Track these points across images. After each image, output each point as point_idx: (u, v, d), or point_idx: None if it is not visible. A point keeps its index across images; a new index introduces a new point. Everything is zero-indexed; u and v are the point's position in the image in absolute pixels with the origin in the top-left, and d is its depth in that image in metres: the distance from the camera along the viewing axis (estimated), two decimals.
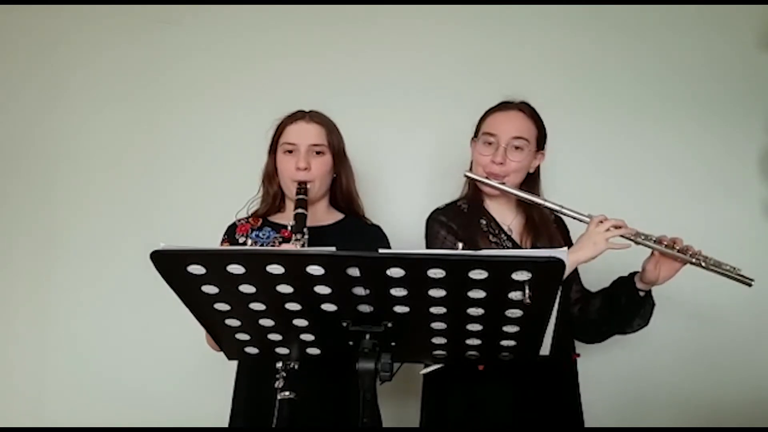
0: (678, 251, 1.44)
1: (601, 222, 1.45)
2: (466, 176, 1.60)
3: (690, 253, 1.44)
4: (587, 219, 1.48)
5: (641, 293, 1.52)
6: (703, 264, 1.43)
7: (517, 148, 1.55)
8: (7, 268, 2.27)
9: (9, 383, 2.25)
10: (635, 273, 1.53)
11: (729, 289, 2.03)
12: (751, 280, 1.43)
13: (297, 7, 2.22)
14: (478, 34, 2.19)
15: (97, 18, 2.27)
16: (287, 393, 1.33)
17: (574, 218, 1.51)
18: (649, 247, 1.46)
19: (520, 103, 1.61)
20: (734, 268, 1.44)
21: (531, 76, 2.15)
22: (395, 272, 0.98)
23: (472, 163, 1.63)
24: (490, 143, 1.56)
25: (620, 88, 2.15)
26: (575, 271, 1.63)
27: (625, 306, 1.54)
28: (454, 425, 1.53)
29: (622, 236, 1.44)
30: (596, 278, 1.64)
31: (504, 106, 1.61)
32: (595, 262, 1.43)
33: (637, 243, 1.45)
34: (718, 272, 1.43)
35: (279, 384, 1.35)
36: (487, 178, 1.56)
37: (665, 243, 1.45)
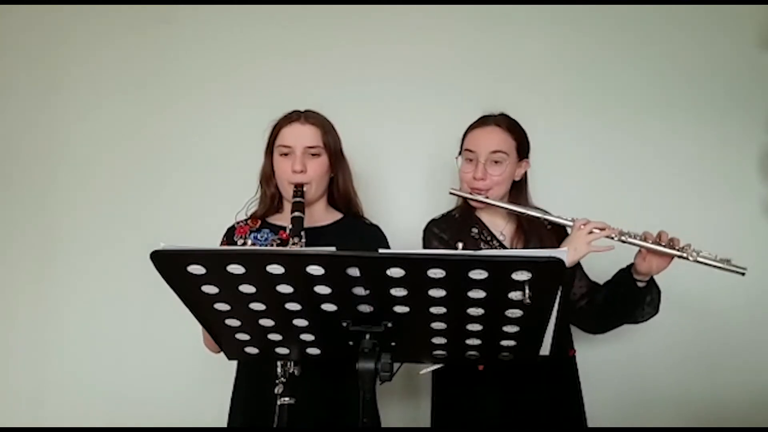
0: (664, 246, 1.45)
1: (584, 225, 1.48)
2: (450, 193, 1.66)
3: (677, 247, 1.45)
4: (570, 223, 1.52)
5: (640, 284, 1.53)
6: (690, 258, 1.43)
7: (496, 162, 1.59)
8: (7, 268, 2.27)
9: (9, 383, 2.25)
10: (633, 264, 1.54)
11: (729, 288, 2.05)
12: (744, 268, 1.42)
13: (294, 7, 2.21)
14: (477, 32, 2.19)
15: (95, 18, 2.27)
16: (287, 399, 1.33)
17: (558, 224, 1.56)
18: (635, 245, 1.48)
19: (498, 116, 1.65)
20: (726, 260, 1.43)
21: (530, 74, 2.15)
22: (395, 272, 0.98)
23: (459, 180, 1.67)
24: (470, 160, 1.61)
25: (621, 87, 2.15)
26: (573, 270, 1.64)
27: (626, 297, 1.55)
28: (458, 425, 1.54)
29: (607, 237, 1.47)
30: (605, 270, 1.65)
31: (482, 121, 1.65)
32: (601, 257, 1.44)
33: (623, 242, 1.47)
34: (708, 264, 1.43)
35: (279, 390, 1.35)
36: (470, 193, 1.61)
37: (651, 240, 1.46)
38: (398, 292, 1.02)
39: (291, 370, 1.35)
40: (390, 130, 2.18)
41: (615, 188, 2.11)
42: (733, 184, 2.11)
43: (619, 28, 2.16)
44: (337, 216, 1.67)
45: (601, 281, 1.66)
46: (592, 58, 2.17)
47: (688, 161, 2.12)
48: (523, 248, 1.61)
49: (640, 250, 1.49)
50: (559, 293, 1.04)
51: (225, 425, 1.60)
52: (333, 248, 1.00)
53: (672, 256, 1.46)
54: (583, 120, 2.15)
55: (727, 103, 2.13)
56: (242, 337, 1.18)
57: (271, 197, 1.64)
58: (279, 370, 1.37)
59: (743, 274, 1.42)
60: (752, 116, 2.11)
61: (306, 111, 1.61)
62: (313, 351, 1.20)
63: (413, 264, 0.98)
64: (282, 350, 1.21)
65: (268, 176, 1.63)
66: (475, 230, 1.62)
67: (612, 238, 1.47)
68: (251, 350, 1.22)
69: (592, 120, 2.15)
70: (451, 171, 1.70)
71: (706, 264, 1.43)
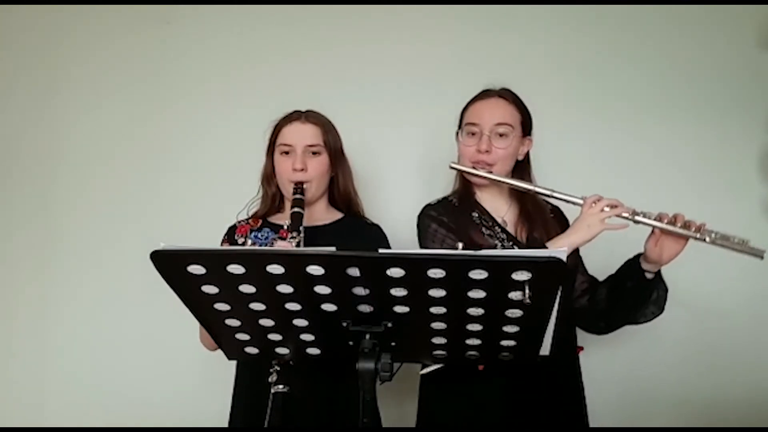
0: (680, 227, 1.38)
1: (595, 203, 1.41)
2: (451, 167, 1.56)
3: (693, 228, 1.37)
4: (580, 201, 1.43)
5: (648, 275, 1.47)
6: (707, 239, 1.36)
7: (501, 135, 1.51)
8: (7, 268, 2.27)
9: (9, 383, 2.25)
10: (641, 254, 1.47)
11: (730, 288, 2.05)
12: (763, 251, 1.35)
13: (294, 7, 2.21)
14: (477, 32, 2.19)
15: (95, 18, 2.27)
16: (281, 387, 1.33)
17: (567, 201, 1.47)
18: (649, 225, 1.40)
19: (501, 89, 1.57)
20: (743, 241, 1.36)
21: (530, 74, 2.14)
22: (395, 272, 0.98)
23: (459, 156, 1.59)
24: (473, 133, 1.53)
25: (622, 87, 2.15)
26: (576, 262, 1.60)
27: (633, 290, 1.48)
28: (451, 426, 1.51)
29: (618, 216, 1.40)
30: (603, 266, 1.60)
31: (484, 94, 1.58)
32: (600, 248, 1.41)
33: (636, 222, 1.39)
34: (726, 247, 1.36)
35: (272, 378, 1.35)
36: (473, 168, 1.53)
37: (666, 220, 1.39)
38: (398, 292, 1.02)
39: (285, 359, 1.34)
40: (390, 130, 2.18)
41: (615, 188, 2.07)
42: (733, 184, 2.11)
43: (619, 28, 2.16)
44: (338, 215, 1.67)
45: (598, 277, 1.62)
46: (592, 58, 2.16)
47: (688, 160, 2.12)
48: (528, 235, 1.55)
49: (652, 233, 1.41)
50: (561, 291, 1.04)
51: (226, 425, 1.60)
52: (333, 248, 1.00)
53: (687, 238, 1.38)
54: (583, 120, 2.15)
55: (727, 103, 2.12)
56: (242, 337, 1.18)
57: (272, 197, 1.65)
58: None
59: (762, 257, 1.34)
60: (752, 116, 2.11)
61: (307, 111, 1.61)
62: (313, 351, 1.20)
63: (413, 264, 0.98)
64: (282, 350, 1.21)
65: (269, 176, 1.64)
66: (475, 215, 1.54)
67: (625, 217, 1.39)
68: (251, 350, 1.22)
69: (592, 120, 2.15)
70: (444, 167, 1.66)
71: (723, 246, 1.36)
